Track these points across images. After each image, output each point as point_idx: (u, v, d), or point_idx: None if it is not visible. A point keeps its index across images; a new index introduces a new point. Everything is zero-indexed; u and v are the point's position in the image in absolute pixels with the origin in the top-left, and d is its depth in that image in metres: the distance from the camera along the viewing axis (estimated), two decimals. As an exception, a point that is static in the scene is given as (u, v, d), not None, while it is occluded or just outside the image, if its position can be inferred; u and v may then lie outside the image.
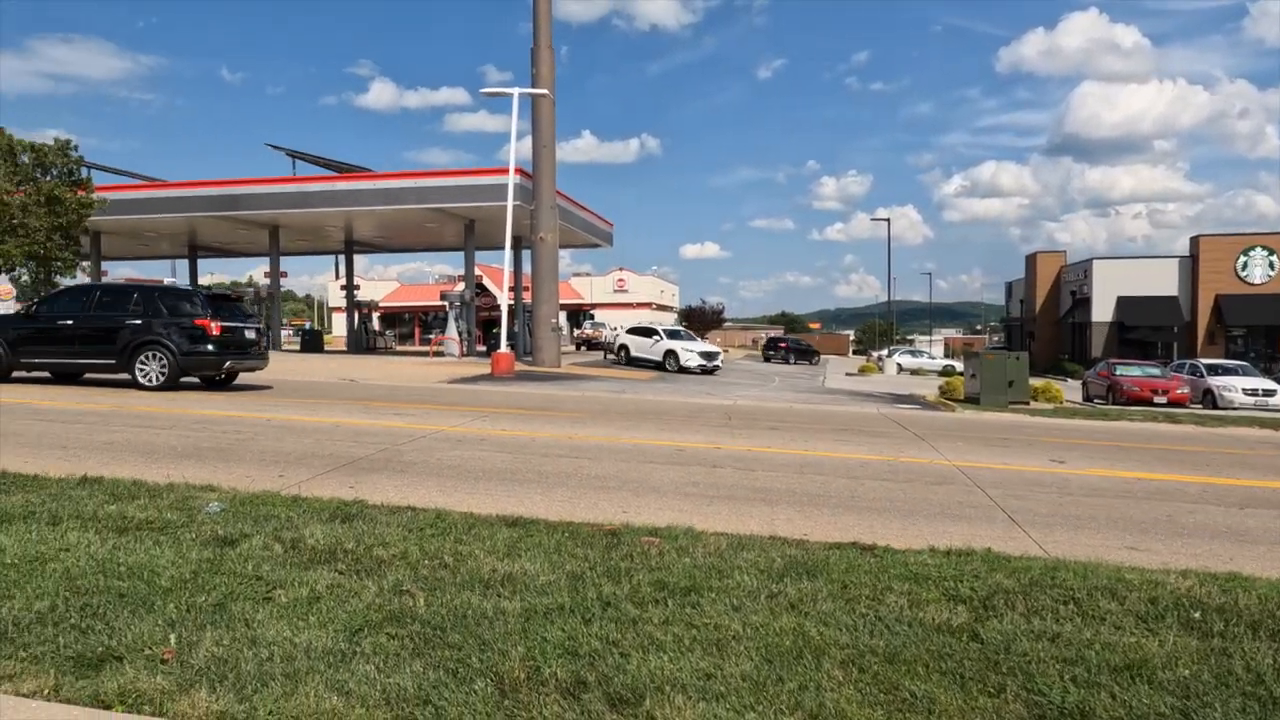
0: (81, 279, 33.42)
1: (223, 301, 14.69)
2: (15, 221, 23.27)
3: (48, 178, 24.53)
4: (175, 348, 13.13)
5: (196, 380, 14.11)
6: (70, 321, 13.64)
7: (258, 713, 2.59)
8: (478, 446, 8.36)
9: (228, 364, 13.76)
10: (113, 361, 13.40)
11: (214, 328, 13.34)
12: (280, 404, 11.75)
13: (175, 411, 10.27)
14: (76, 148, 25.27)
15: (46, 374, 14.12)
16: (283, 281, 36.75)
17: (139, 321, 13.34)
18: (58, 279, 28.71)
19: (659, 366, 27.64)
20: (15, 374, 13.80)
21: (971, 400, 18.27)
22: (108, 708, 2.61)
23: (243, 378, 15.15)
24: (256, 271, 63.21)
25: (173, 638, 3.08)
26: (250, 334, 14.39)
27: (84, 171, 26.26)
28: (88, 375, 13.83)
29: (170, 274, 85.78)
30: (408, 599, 3.55)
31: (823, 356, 54.32)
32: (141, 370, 13.22)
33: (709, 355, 28.19)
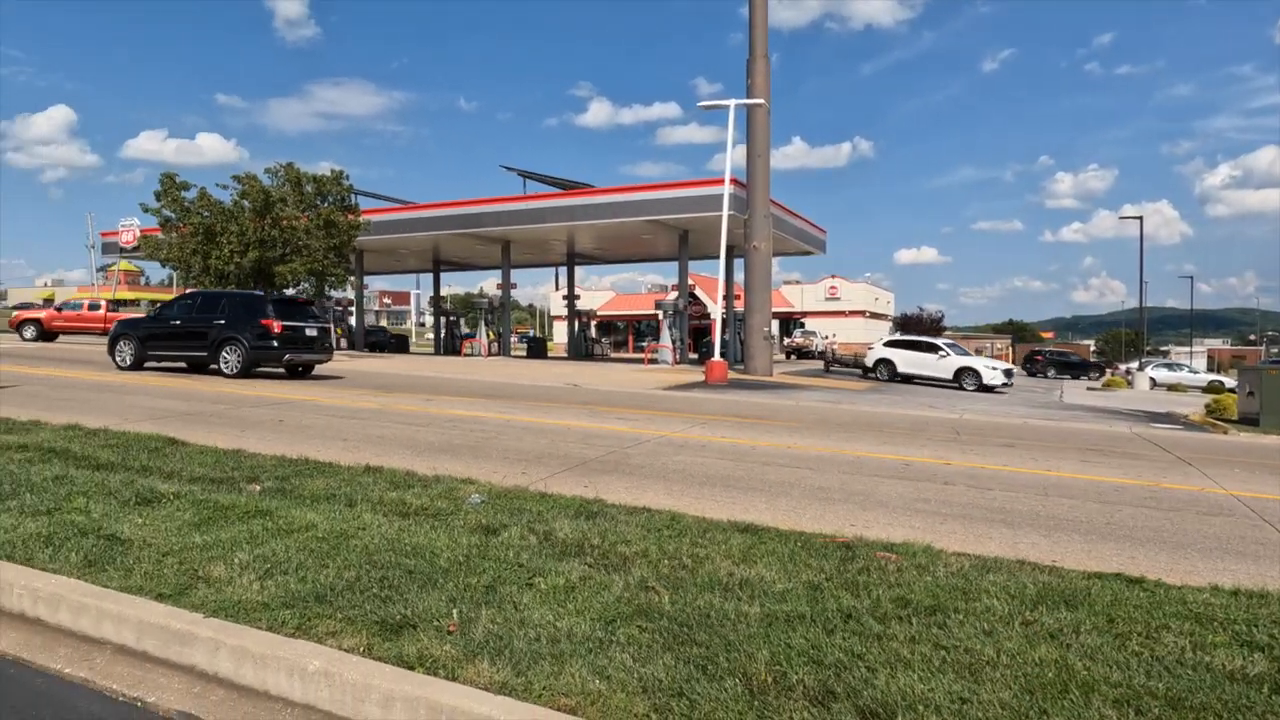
0: (349, 292, 38.07)
1: (290, 305, 17.35)
2: (300, 243, 27.00)
3: (325, 204, 28.23)
4: (247, 343, 15.90)
5: (283, 371, 16.94)
6: (178, 322, 16.97)
7: (533, 687, 2.86)
8: (700, 453, 8.56)
9: (287, 356, 16.45)
10: (205, 354, 16.43)
11: (276, 327, 16.08)
12: (516, 407, 12.70)
13: (431, 411, 11.43)
14: (347, 177, 28.88)
15: (183, 364, 17.31)
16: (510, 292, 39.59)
17: (223, 322, 16.29)
18: (330, 291, 32.91)
19: (952, 384, 25.33)
20: (146, 364, 17.18)
21: (1247, 421, 15.94)
22: (411, 668, 3.00)
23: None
24: (487, 283, 68.66)
25: (455, 613, 3.47)
26: (311, 332, 16.91)
27: (353, 197, 29.90)
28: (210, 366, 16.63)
29: (415, 286, 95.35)
30: (653, 595, 3.75)
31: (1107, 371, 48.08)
32: (224, 361, 16.07)
33: (1009, 373, 25.87)
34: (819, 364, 39.36)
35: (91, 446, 7.03)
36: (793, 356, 47.56)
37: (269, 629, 3.29)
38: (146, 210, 28.34)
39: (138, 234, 36.35)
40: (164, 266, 32.92)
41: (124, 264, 65.48)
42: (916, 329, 73.64)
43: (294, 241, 27.09)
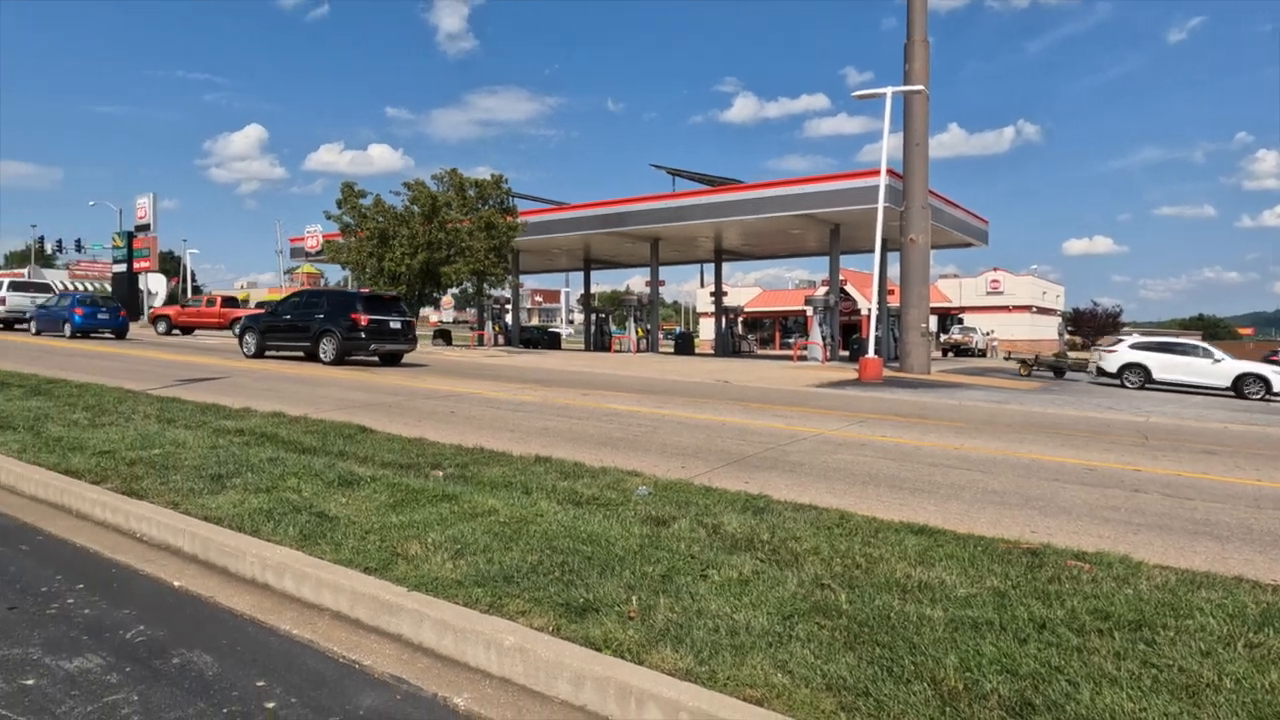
0: (506, 291, 39.79)
1: (377, 301, 19.25)
2: (464, 244, 28.53)
3: (485, 207, 29.68)
4: (340, 334, 18.21)
5: (376, 360, 19.21)
6: (289, 318, 19.60)
7: (717, 676, 2.91)
8: (860, 451, 8.35)
9: (373, 346, 18.44)
10: (308, 344, 18.90)
11: (363, 320, 18.20)
12: (669, 402, 12.86)
13: (589, 405, 11.79)
14: (506, 180, 30.23)
15: (298, 354, 19.51)
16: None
17: (322, 316, 18.73)
18: (489, 290, 34.54)
19: (1227, 393, 21.91)
20: (266, 353, 19.81)
21: None
22: (597, 650, 3.13)
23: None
24: (634, 281, 69.83)
25: (634, 599, 3.58)
26: (395, 325, 18.96)
27: (510, 200, 31.26)
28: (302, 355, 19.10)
29: (565, 285, 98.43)
30: (829, 593, 3.71)
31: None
32: (323, 350, 18.50)
33: None
34: (980, 362, 37.31)
35: (295, 432, 7.76)
36: (950, 354, 45.32)
37: (465, 605, 3.52)
38: (329, 217, 30.85)
39: (320, 239, 39.63)
40: (343, 269, 35.73)
41: (307, 266, 71.46)
42: (1090, 324, 68.34)
43: (458, 243, 28.65)
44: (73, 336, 26.10)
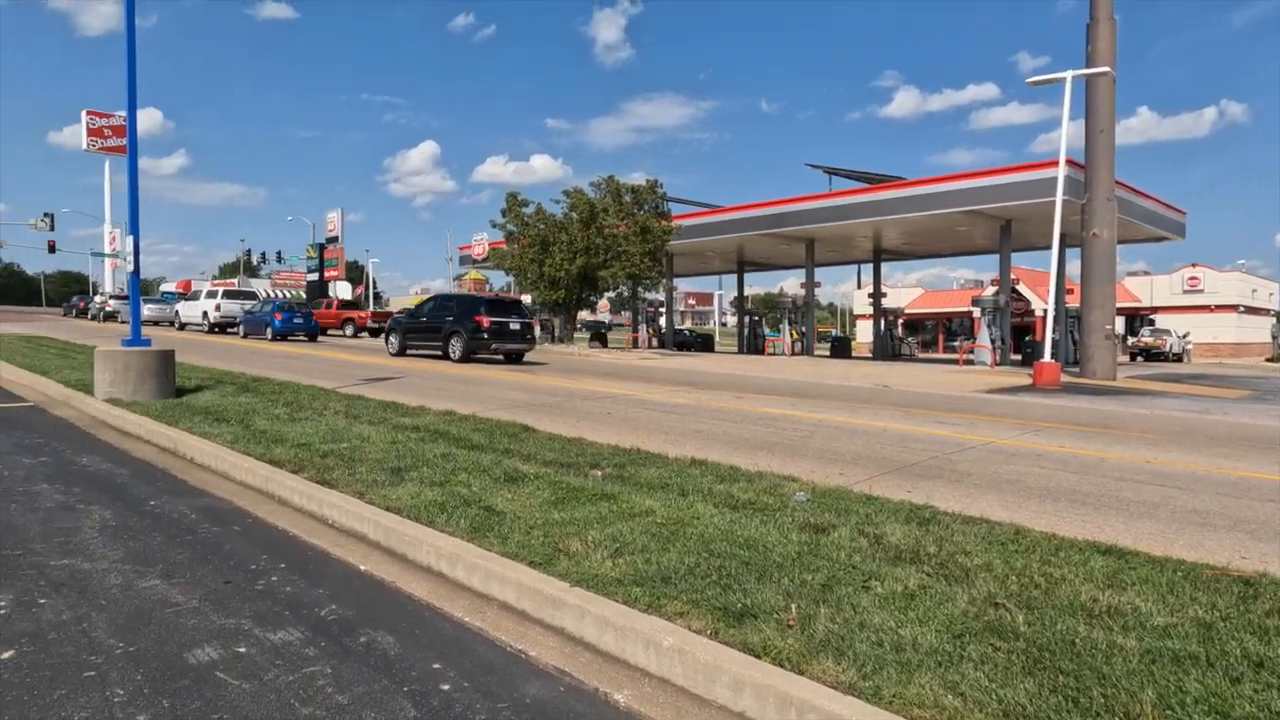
0: (660, 294, 40.32)
1: (500, 304, 21.50)
2: (620, 249, 29.19)
3: (641, 212, 30.22)
4: (465, 335, 20.23)
5: (501, 359, 21.08)
6: (425, 320, 21.91)
7: (882, 693, 2.80)
8: (1035, 462, 7.80)
9: (494, 345, 20.28)
10: (440, 344, 20.96)
11: (485, 322, 20.12)
12: (825, 407, 12.56)
13: (743, 409, 11.72)
14: (661, 185, 30.65)
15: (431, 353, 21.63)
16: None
17: (451, 319, 20.80)
18: (644, 293, 35.12)
19: None
20: (407, 352, 22.01)
21: None
22: (756, 657, 3.09)
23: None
24: (788, 282, 68.78)
25: (793, 607, 3.51)
26: (515, 326, 20.71)
27: (665, 204, 31.65)
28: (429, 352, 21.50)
29: (718, 287, 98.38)
30: (1004, 613, 3.48)
31: None
32: (451, 349, 20.53)
33: None
34: (1175, 367, 33.85)
35: (465, 429, 8.21)
36: (1139, 358, 41.43)
37: (624, 603, 3.59)
38: (494, 225, 32.52)
39: (487, 246, 41.81)
40: (506, 275, 37.51)
41: (474, 273, 75.48)
42: (1312, 325, 60.26)
43: (614, 248, 29.35)
44: (273, 339, 28.96)
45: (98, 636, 3.44)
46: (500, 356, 21.13)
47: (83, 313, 51.52)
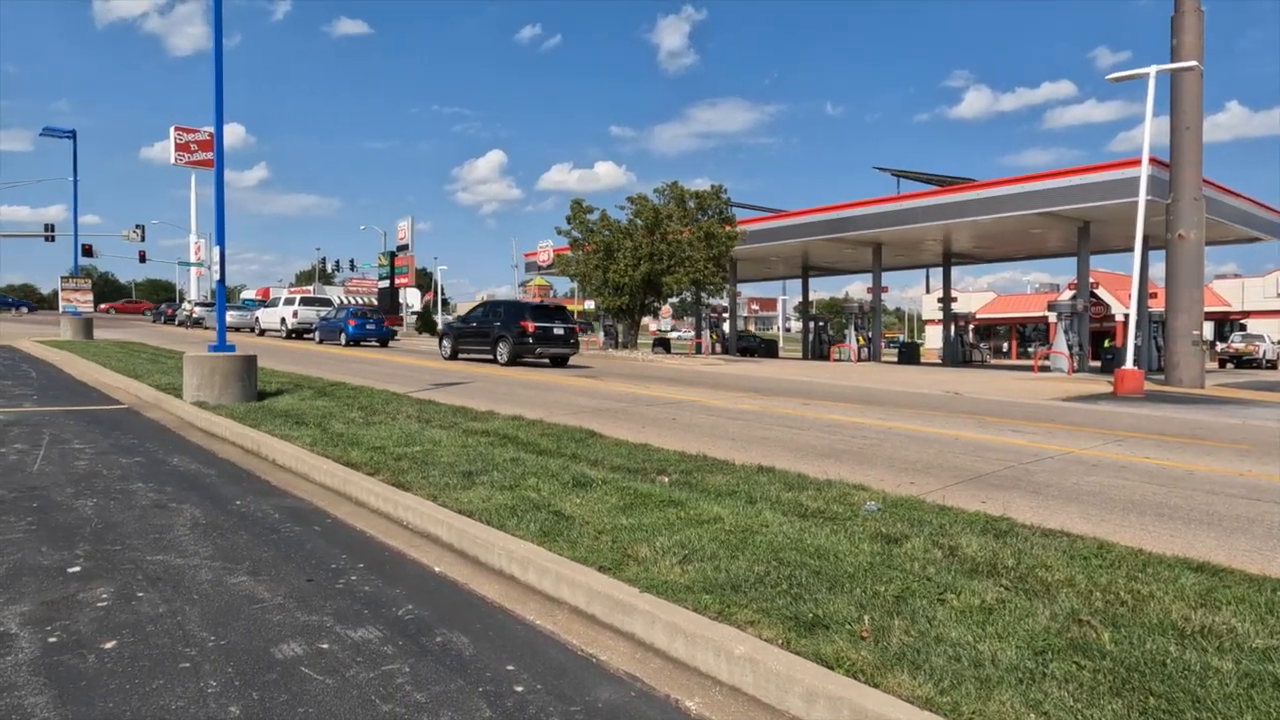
0: (724, 300, 40.17)
1: (544, 310, 22.12)
2: (683, 255, 29.18)
3: (705, 217, 30.17)
4: (512, 339, 20.83)
5: (546, 361, 21.86)
6: (474, 325, 22.74)
7: (960, 709, 2.74)
8: (1118, 474, 7.50)
9: (538, 349, 20.94)
10: (489, 349, 21.60)
11: (530, 327, 20.73)
12: (894, 414, 12.31)
13: (809, 415, 11.59)
14: (725, 191, 30.54)
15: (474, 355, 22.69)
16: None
17: (499, 324, 21.51)
18: (707, 299, 35.01)
19: None
20: (460, 356, 22.89)
21: None
22: (829, 668, 3.06)
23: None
24: (854, 287, 67.67)
25: (866, 619, 3.46)
26: (559, 331, 21.28)
27: (729, 210, 31.52)
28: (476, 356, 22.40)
29: (782, 293, 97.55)
30: (1089, 630, 3.36)
31: None
32: (499, 353, 21.19)
33: None
34: (1270, 374, 32.08)
35: (533, 435, 8.33)
36: (1229, 365, 39.42)
37: (694, 610, 3.59)
38: (559, 232, 32.87)
39: (551, 254, 42.30)
40: (571, 281, 37.87)
41: (538, 279, 76.41)
42: None
43: (678, 254, 29.36)
44: (347, 344, 29.86)
45: (191, 629, 3.61)
46: (546, 360, 21.86)
47: (170, 319, 54.02)
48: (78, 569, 4.38)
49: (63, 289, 30.44)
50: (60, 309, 30.28)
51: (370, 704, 2.98)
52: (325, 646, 3.47)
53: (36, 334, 29.87)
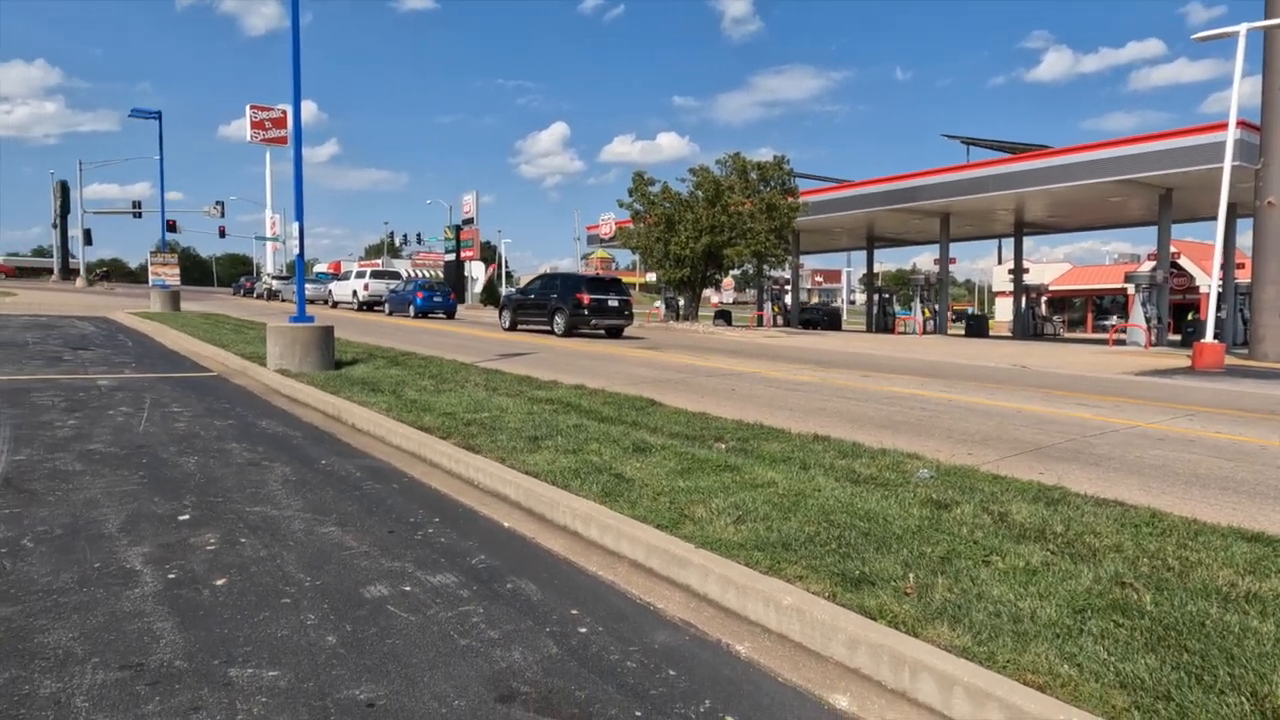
0: (786, 272, 39.86)
1: (599, 282, 22.73)
2: (745, 227, 29.08)
3: (767, 189, 29.95)
4: (567, 311, 21.60)
5: (602, 332, 22.51)
6: (533, 297, 23.60)
7: (995, 658, 2.91)
8: (1185, 449, 7.40)
9: (593, 321, 21.60)
10: (546, 319, 22.39)
11: (586, 299, 21.35)
12: (956, 387, 12.23)
13: (869, 388, 11.61)
14: (788, 161, 30.24)
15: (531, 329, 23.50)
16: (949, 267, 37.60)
17: (556, 296, 22.25)
18: (769, 271, 34.81)
19: None
20: (519, 326, 23.81)
21: None
22: (872, 619, 3.25)
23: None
24: (921, 259, 66.10)
25: (911, 576, 3.63)
26: (613, 303, 21.90)
27: (792, 180, 31.21)
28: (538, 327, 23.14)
29: (846, 264, 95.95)
30: (1130, 592, 3.47)
31: None
32: (555, 324, 21.99)
33: None
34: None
35: (595, 403, 8.63)
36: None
37: (746, 565, 3.81)
38: (621, 205, 33.07)
39: (613, 226, 42.53)
40: (632, 253, 38.08)
41: (600, 252, 76.80)
42: None
43: (739, 226, 29.27)
44: (415, 316, 30.77)
45: (289, 571, 4.00)
46: (602, 331, 22.55)
47: (249, 292, 56.33)
48: (186, 517, 4.85)
49: (151, 263, 32.05)
50: (149, 282, 31.92)
51: (449, 638, 3.30)
52: (408, 589, 3.81)
53: (129, 305, 31.61)
